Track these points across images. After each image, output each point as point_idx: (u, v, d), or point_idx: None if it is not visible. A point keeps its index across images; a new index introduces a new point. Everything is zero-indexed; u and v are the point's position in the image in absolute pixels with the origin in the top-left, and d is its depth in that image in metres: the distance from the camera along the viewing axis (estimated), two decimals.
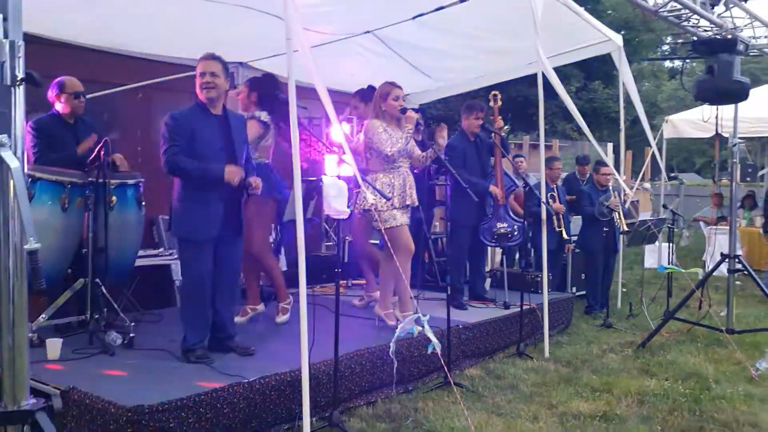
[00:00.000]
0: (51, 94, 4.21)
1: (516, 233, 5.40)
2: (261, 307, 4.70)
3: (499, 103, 5.45)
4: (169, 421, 2.91)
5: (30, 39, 2.05)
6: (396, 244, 4.24)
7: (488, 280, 6.11)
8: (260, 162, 4.35)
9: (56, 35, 4.87)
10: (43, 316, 3.85)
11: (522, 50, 5.62)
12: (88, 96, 4.37)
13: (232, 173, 3.59)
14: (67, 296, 3.92)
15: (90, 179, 3.97)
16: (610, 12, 19.44)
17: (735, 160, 5.49)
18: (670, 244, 6.96)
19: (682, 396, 4.12)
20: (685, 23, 5.18)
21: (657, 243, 7.54)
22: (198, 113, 3.70)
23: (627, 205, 6.85)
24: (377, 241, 5.26)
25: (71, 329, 4.05)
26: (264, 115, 4.37)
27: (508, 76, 7.15)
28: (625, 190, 6.74)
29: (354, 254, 5.81)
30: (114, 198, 4.05)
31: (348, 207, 3.58)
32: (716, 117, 6.11)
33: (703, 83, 5.10)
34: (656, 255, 8.05)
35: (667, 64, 27.95)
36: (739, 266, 5.33)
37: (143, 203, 4.29)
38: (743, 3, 5.32)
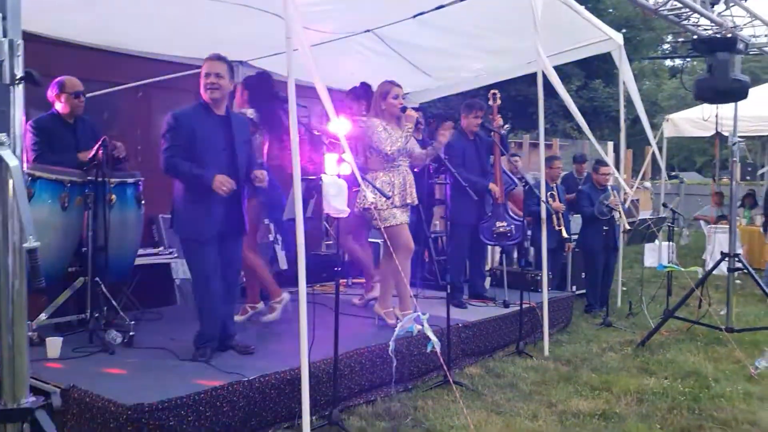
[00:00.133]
0: (51, 93, 4.21)
1: (515, 232, 5.41)
2: (261, 305, 4.70)
3: (499, 101, 5.44)
4: (168, 420, 2.92)
5: (30, 38, 2.06)
6: (396, 242, 4.25)
7: (488, 279, 6.11)
8: None
9: (56, 34, 4.87)
10: (43, 314, 3.86)
11: (522, 49, 5.62)
12: (87, 95, 4.38)
13: (220, 183, 3.55)
14: (67, 295, 3.93)
15: (89, 178, 3.97)
16: (610, 11, 19.41)
17: (735, 158, 5.49)
18: (670, 243, 6.96)
19: (682, 394, 4.12)
20: (685, 22, 5.18)
21: (657, 242, 7.54)
22: (200, 113, 3.70)
23: (627, 204, 6.85)
24: (378, 240, 5.27)
25: (71, 328, 4.05)
26: (250, 112, 4.36)
27: (509, 75, 7.15)
28: (625, 189, 6.73)
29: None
30: (114, 196, 4.06)
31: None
32: (716, 116, 6.11)
33: (702, 82, 5.10)
34: (656, 254, 8.05)
35: (668, 62, 27.95)
36: (738, 265, 5.33)
37: (143, 202, 4.30)
38: (743, 2, 5.32)
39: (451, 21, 5.32)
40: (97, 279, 3.93)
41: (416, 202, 4.59)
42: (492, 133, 5.38)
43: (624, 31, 14.72)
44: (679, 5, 4.95)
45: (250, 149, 3.91)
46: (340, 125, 3.61)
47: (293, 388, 3.35)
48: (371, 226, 4.82)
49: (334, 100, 3.36)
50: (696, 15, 5.07)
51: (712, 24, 5.20)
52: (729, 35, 5.08)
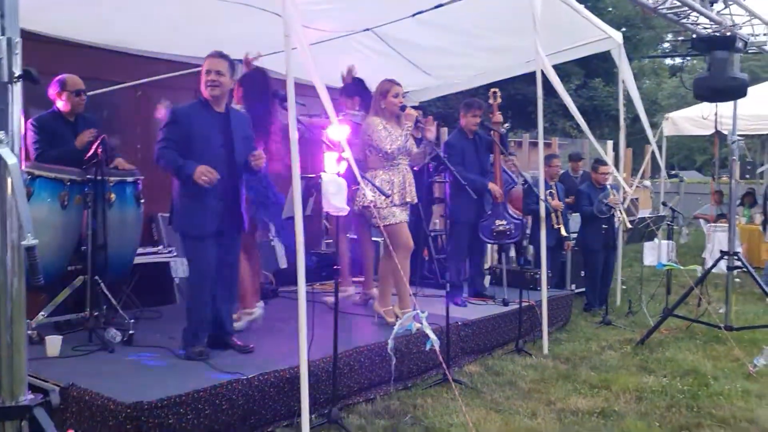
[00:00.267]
0: (52, 91, 4.23)
1: (514, 231, 5.41)
2: (257, 310, 4.68)
3: (499, 100, 5.45)
4: (168, 418, 2.92)
5: (30, 36, 2.06)
6: (395, 241, 4.25)
7: (487, 277, 6.12)
8: None
9: (56, 33, 4.87)
10: (43, 313, 3.87)
11: (521, 48, 5.61)
12: (87, 93, 4.38)
13: (200, 173, 3.51)
14: (66, 293, 3.94)
15: (89, 176, 3.98)
16: (610, 9, 19.38)
17: (734, 157, 5.50)
18: (670, 242, 6.96)
19: (680, 392, 4.13)
20: (685, 20, 5.18)
21: (656, 240, 7.54)
22: (200, 110, 3.71)
23: (626, 203, 6.85)
24: (378, 239, 5.27)
25: (71, 326, 4.06)
26: (238, 108, 4.34)
27: (508, 74, 7.14)
28: (624, 188, 6.73)
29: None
30: (113, 195, 4.07)
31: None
32: (716, 114, 6.11)
33: (701, 81, 5.11)
34: (656, 252, 8.05)
35: (668, 61, 27.92)
36: (738, 263, 5.34)
37: (142, 200, 4.30)
38: (742, 0, 5.31)
39: (450, 20, 5.32)
40: (96, 278, 3.93)
41: (416, 200, 4.59)
42: (492, 132, 5.38)
43: (624, 29, 14.70)
44: (678, 4, 4.94)
45: (250, 146, 3.91)
46: (340, 130, 3.62)
47: (292, 387, 3.36)
48: (371, 224, 4.82)
49: (333, 99, 3.36)
50: (695, 13, 5.07)
51: (712, 22, 5.20)
52: (728, 34, 5.07)
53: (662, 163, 8.90)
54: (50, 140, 4.15)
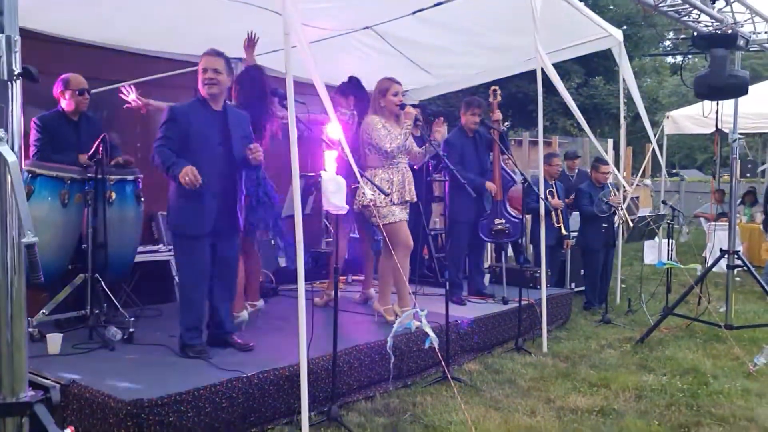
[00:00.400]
0: (56, 90, 4.25)
1: (512, 230, 5.42)
2: (260, 303, 4.71)
3: (499, 98, 5.45)
4: (168, 415, 2.93)
5: (30, 35, 2.07)
6: (395, 239, 4.26)
7: (487, 276, 6.12)
8: None
9: (56, 32, 4.88)
10: (44, 311, 3.88)
11: (522, 46, 5.62)
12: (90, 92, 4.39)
13: (183, 173, 3.46)
14: (67, 292, 3.95)
15: (89, 175, 3.99)
16: (611, 7, 19.38)
17: (735, 156, 5.49)
18: (670, 240, 6.96)
19: (680, 391, 4.13)
20: (686, 18, 5.17)
21: (657, 239, 7.54)
22: (198, 108, 3.71)
23: (626, 202, 6.85)
24: (378, 237, 5.26)
25: (71, 324, 4.07)
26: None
27: (508, 73, 7.14)
28: (624, 187, 6.73)
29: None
30: (113, 194, 4.08)
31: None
32: (716, 113, 6.09)
33: (701, 79, 5.10)
34: (656, 251, 8.05)
35: (669, 59, 27.85)
36: (738, 262, 5.34)
37: (142, 199, 4.31)
38: None
39: (450, 18, 5.32)
40: (96, 276, 3.94)
41: (415, 199, 4.60)
42: (491, 131, 5.38)
43: (624, 27, 14.72)
44: (680, 1, 4.94)
45: (248, 144, 3.90)
46: (338, 129, 3.62)
47: (292, 385, 3.37)
48: (371, 223, 4.82)
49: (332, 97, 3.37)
50: (696, 11, 5.07)
51: (713, 20, 5.20)
52: (729, 32, 5.07)
53: (663, 162, 8.88)
54: (52, 139, 4.16)
